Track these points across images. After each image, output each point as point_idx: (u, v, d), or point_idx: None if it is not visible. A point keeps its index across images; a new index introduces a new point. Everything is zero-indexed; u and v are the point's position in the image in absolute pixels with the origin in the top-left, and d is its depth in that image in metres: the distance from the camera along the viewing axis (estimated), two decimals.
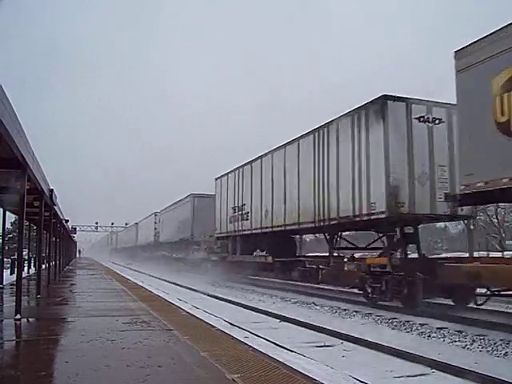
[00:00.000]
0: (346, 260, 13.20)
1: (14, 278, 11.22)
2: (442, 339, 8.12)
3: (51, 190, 11.20)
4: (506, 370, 6.01)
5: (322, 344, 7.78)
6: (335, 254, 14.37)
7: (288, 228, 16.04)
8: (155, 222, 39.94)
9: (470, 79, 8.95)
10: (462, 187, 8.87)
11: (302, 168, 15.00)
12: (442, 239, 46.04)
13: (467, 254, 17.28)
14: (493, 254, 21.66)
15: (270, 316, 10.90)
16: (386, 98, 11.18)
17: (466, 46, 9.09)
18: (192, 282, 21.47)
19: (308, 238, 27.56)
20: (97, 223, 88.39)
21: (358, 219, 12.07)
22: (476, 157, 8.74)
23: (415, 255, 12.78)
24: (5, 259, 16.84)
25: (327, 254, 14.51)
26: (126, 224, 74.44)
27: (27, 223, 17.98)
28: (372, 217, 11.47)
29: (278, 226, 16.77)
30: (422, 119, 11.26)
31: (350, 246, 15.05)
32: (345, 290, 14.10)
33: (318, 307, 12.37)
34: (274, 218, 17.10)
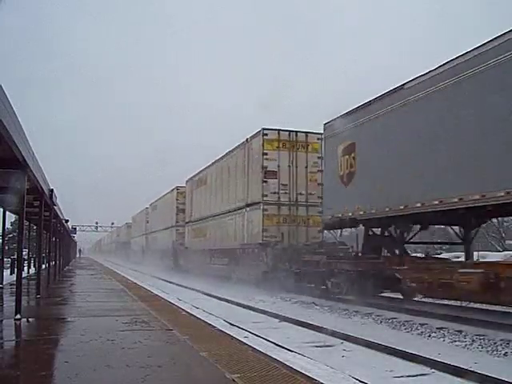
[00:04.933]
0: None
1: (14, 278, 11.22)
2: (441, 339, 8.11)
3: (51, 190, 11.20)
4: (506, 370, 6.00)
5: (322, 344, 7.78)
6: None
7: None
8: None
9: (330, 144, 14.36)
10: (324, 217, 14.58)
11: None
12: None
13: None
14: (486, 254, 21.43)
15: (269, 316, 10.90)
16: None
17: (328, 122, 14.48)
18: (192, 281, 21.46)
19: None
20: (97, 223, 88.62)
21: None
22: (331, 197, 14.09)
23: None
24: (5, 259, 16.84)
25: None
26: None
27: (27, 223, 17.98)
28: None
29: None
30: None
31: None
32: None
33: (317, 307, 12.37)
34: None
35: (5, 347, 5.81)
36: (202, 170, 25.95)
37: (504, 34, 8.40)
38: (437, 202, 9.72)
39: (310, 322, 9.46)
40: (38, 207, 11.02)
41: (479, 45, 8.90)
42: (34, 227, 20.67)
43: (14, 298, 7.53)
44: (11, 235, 32.49)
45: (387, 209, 11.22)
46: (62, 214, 19.06)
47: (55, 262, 19.39)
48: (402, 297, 12.07)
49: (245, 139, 19.08)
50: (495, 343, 7.52)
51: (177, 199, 31.31)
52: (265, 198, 16.87)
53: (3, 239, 16.43)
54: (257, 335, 7.55)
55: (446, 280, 9.41)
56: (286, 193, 17.01)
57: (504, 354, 7.01)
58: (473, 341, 7.77)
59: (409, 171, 10.59)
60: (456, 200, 9.29)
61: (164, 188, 37.23)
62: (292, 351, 6.27)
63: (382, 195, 11.27)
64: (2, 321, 7.41)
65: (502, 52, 8.35)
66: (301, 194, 17.08)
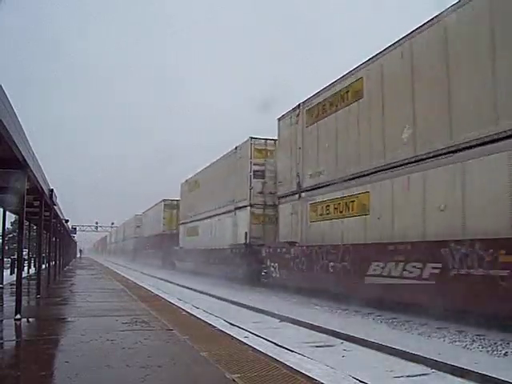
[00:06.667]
0: None
1: (14, 278, 11.22)
2: (442, 339, 8.11)
3: (51, 190, 11.20)
4: (506, 370, 6.00)
5: (322, 344, 7.78)
6: None
7: None
8: None
9: None
10: None
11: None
12: None
13: None
14: None
15: (269, 316, 10.90)
16: None
17: None
18: (192, 281, 21.45)
19: None
20: (97, 223, 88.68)
21: None
22: None
23: None
24: (5, 259, 16.84)
25: None
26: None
27: (27, 223, 17.98)
28: None
29: None
30: None
31: None
32: None
33: (317, 307, 12.36)
34: None
35: (5, 347, 5.81)
36: None
37: None
38: None
39: (311, 322, 9.46)
40: (38, 207, 11.02)
41: None
42: (34, 227, 20.68)
43: (14, 298, 7.53)
44: (11, 235, 32.49)
45: None
46: (62, 213, 19.05)
47: (55, 262, 19.37)
48: None
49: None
50: (495, 343, 7.52)
51: None
52: None
53: (3, 239, 16.43)
54: (257, 335, 7.54)
55: None
56: None
57: (504, 354, 7.01)
58: (473, 341, 7.77)
59: None
60: None
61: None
62: (292, 351, 6.27)
63: None
64: (2, 321, 7.41)
65: None
66: None
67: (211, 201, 23.87)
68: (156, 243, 37.92)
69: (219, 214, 22.45)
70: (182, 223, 30.68)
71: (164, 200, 37.11)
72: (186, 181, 30.42)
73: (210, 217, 24.10)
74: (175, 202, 35.16)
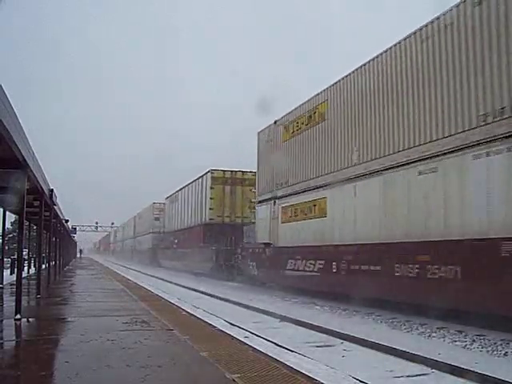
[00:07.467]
0: None
1: (14, 278, 11.22)
2: (442, 339, 8.11)
3: (51, 190, 11.19)
4: (506, 369, 6.01)
5: (322, 344, 7.78)
6: None
7: None
8: None
9: None
10: None
11: None
12: None
13: None
14: None
15: (269, 316, 10.90)
16: None
17: None
18: (192, 281, 21.47)
19: None
20: (97, 223, 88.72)
21: None
22: None
23: None
24: (5, 259, 16.83)
25: None
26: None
27: (27, 223, 17.98)
28: None
29: None
30: None
31: None
32: None
33: (318, 307, 12.36)
34: None
35: (5, 347, 5.80)
36: None
37: None
38: None
39: (311, 322, 9.45)
40: (38, 207, 11.02)
41: None
42: (34, 227, 20.68)
43: (14, 297, 7.53)
44: (11, 235, 32.47)
45: None
46: (62, 213, 19.05)
47: (55, 262, 19.37)
48: None
49: None
50: (495, 343, 7.52)
51: None
52: None
53: (3, 239, 16.41)
54: (257, 335, 7.54)
55: None
56: None
57: (504, 354, 7.01)
58: (473, 341, 7.77)
59: None
60: None
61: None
62: (292, 351, 6.26)
63: None
64: (2, 321, 7.41)
65: None
66: None
67: (371, 139, 11.21)
68: (195, 238, 25.34)
69: (419, 160, 9.48)
70: (267, 200, 16.75)
71: (211, 171, 24.25)
72: (275, 122, 16.77)
73: (364, 175, 11.31)
74: (230, 174, 23.87)
